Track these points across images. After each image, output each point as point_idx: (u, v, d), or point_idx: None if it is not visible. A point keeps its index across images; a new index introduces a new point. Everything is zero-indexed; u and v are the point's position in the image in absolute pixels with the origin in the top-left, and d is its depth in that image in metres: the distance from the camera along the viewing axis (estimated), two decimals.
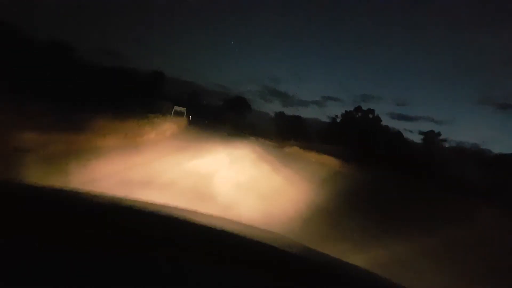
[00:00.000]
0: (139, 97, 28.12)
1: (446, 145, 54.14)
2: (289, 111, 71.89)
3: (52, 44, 30.32)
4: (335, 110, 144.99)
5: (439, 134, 55.21)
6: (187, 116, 34.62)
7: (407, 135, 55.40)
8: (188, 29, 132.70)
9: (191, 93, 64.45)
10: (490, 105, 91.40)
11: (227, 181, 7.70)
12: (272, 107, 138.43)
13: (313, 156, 25.38)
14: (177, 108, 27.48)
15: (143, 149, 9.28)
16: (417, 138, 56.36)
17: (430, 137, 55.65)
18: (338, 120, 56.09)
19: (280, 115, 65.19)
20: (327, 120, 57.85)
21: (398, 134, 55.34)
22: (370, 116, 56.52)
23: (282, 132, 53.88)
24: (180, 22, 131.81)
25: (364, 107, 56.56)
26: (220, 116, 57.74)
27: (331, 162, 24.15)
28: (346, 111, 56.83)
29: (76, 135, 7.61)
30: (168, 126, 16.97)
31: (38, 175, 4.51)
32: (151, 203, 1.17)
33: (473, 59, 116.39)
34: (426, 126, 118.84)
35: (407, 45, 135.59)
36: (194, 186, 6.48)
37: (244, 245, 0.90)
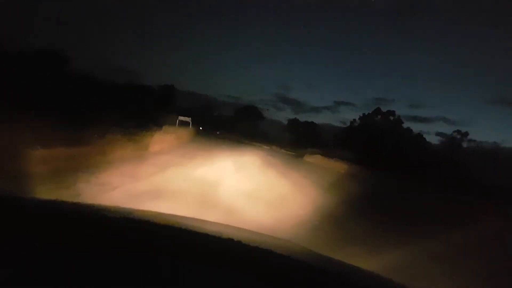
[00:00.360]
0: (147, 110, 26.00)
1: (465, 145, 48.86)
2: (301, 118, 67.42)
3: (62, 60, 28.13)
4: (348, 115, 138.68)
5: (466, 134, 49.56)
6: (199, 127, 31.94)
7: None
8: (197, 42, 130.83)
9: (203, 105, 61.96)
10: (505, 104, 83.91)
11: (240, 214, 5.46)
12: (285, 115, 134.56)
13: (340, 166, 20.78)
14: (181, 118, 24.21)
15: (149, 161, 8.67)
16: (434, 140, 51.45)
17: (456, 138, 50.04)
18: (356, 124, 51.01)
19: (294, 122, 60.92)
20: (341, 125, 53.08)
21: (419, 136, 50.13)
22: (391, 118, 51.28)
23: (297, 140, 49.62)
24: (188, 36, 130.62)
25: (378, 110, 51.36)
26: (232, 126, 54.24)
27: (362, 173, 19.50)
28: (364, 114, 51.85)
29: (84, 149, 7.42)
30: (173, 137, 14.68)
31: (48, 190, 4.31)
32: (155, 213, 1.23)
33: (486, 58, 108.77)
34: (442, 128, 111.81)
35: (417, 46, 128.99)
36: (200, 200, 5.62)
37: (244, 250, 0.87)
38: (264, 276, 0.74)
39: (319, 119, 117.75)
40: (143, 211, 1.17)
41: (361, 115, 51.36)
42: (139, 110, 22.70)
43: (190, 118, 25.17)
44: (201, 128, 35.74)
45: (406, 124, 49.58)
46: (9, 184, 4.00)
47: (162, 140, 11.89)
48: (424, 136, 49.13)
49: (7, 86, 14.20)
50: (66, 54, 28.99)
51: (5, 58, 19.44)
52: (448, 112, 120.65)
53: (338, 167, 20.26)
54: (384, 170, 25.11)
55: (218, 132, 46.16)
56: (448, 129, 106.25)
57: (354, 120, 50.77)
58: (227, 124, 54.91)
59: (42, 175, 4.85)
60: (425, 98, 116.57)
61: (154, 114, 22.66)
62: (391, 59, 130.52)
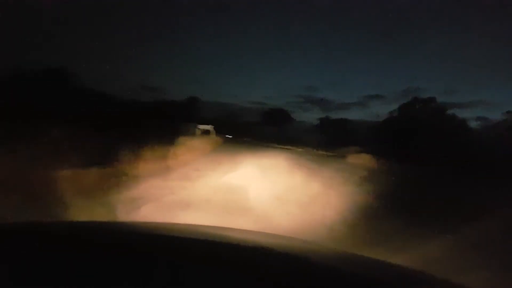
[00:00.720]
0: (170, 123, 23.73)
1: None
2: (331, 116, 61.92)
3: (79, 79, 27.06)
4: (380, 108, 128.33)
5: None
6: (226, 135, 29.12)
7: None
8: (216, 52, 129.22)
9: (229, 113, 59.52)
10: None
11: None
12: (313, 115, 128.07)
13: (397, 168, 16.05)
14: (202, 126, 21.13)
15: (175, 172, 7.96)
16: (474, 125, 43.96)
17: (508, 120, 42.10)
18: (395, 115, 45.11)
19: (325, 120, 56.28)
20: (376, 119, 47.50)
21: (463, 123, 43.02)
22: (433, 105, 44.75)
23: (331, 139, 44.83)
24: (207, 48, 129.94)
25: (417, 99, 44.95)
26: (261, 131, 50.90)
27: (433, 176, 14.63)
28: (403, 104, 45.83)
29: (111, 166, 7.04)
30: (184, 150, 12.35)
31: (81, 209, 4.10)
32: (153, 222, 1.29)
33: None
34: (480, 112, 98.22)
35: (445, 29, 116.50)
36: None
37: (243, 250, 0.84)
38: (264, 276, 0.71)
39: (349, 115, 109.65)
40: (140, 221, 1.35)
41: (399, 105, 45.52)
42: (153, 125, 20.33)
43: (212, 127, 22.00)
44: (229, 136, 32.90)
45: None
46: None
47: (165, 156, 8.54)
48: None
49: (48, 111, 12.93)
50: (85, 74, 27.89)
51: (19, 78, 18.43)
52: (487, 95, 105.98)
53: (397, 170, 15.56)
54: (441, 166, 20.24)
55: (249, 139, 42.80)
56: (488, 113, 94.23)
57: (394, 110, 44.79)
58: (256, 130, 51.66)
59: None
60: (460, 82, 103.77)
61: (178, 127, 19.99)
62: (416, 47, 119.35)
